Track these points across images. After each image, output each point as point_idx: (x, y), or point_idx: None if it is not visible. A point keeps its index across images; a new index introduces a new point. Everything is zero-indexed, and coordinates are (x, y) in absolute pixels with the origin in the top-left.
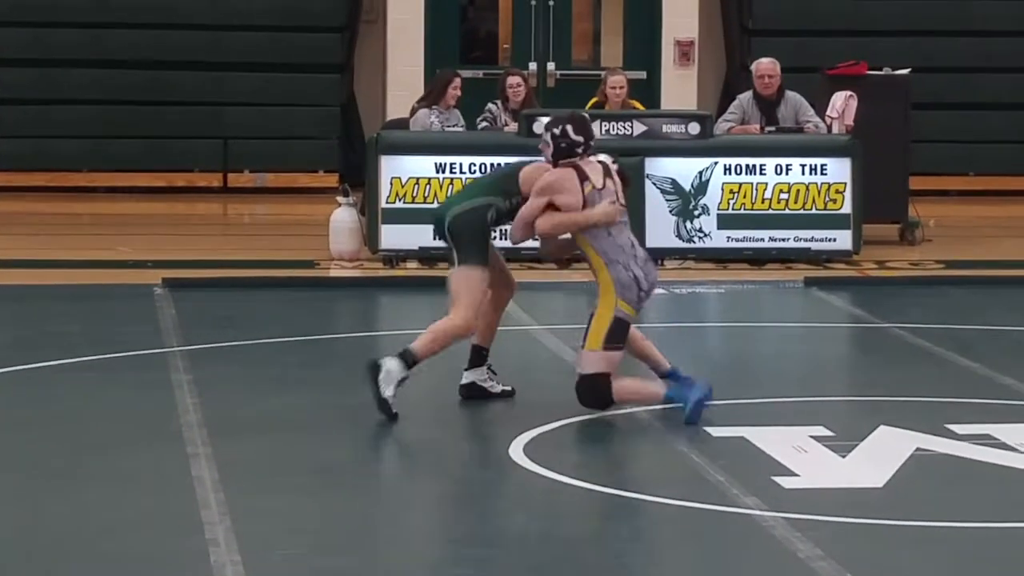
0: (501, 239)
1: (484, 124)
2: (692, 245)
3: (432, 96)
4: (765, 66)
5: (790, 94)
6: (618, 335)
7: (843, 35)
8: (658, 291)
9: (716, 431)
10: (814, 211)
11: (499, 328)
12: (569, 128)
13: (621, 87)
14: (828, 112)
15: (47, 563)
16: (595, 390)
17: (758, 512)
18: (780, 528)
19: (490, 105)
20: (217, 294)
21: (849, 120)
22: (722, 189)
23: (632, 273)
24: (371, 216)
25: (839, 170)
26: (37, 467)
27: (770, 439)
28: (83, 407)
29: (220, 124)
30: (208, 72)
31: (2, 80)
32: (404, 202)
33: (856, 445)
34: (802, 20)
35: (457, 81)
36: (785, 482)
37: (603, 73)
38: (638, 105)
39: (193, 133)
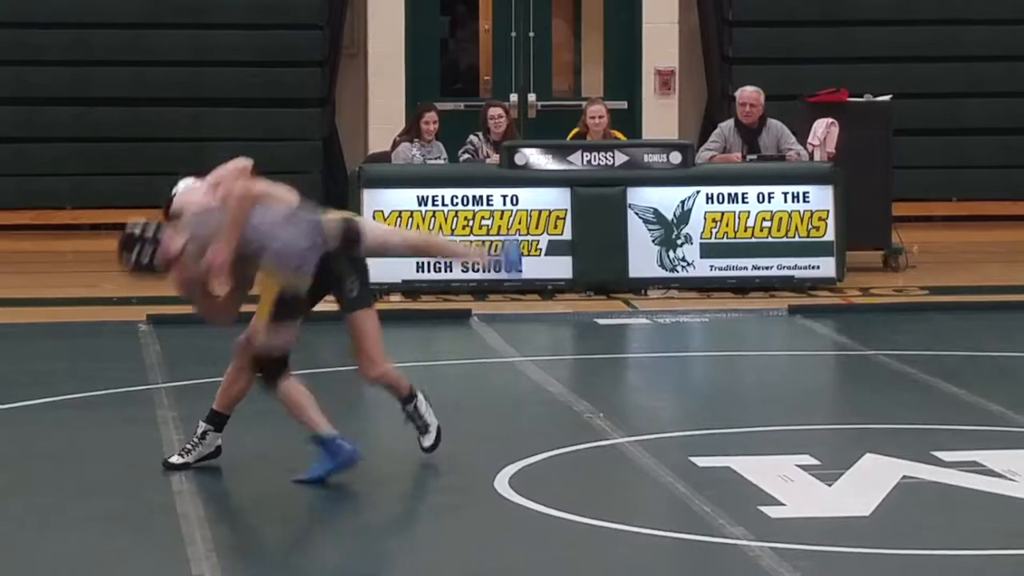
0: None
1: (466, 156)
2: (675, 275)
3: (412, 130)
4: (749, 94)
5: (772, 122)
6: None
7: (824, 62)
8: (642, 321)
9: (701, 461)
10: (797, 239)
11: (482, 361)
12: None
13: (601, 116)
14: (810, 139)
15: None
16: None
17: (745, 542)
18: (767, 558)
19: (472, 137)
20: (202, 330)
21: (831, 147)
22: (705, 218)
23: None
24: None
25: (822, 198)
26: (22, 507)
27: (756, 468)
28: (67, 445)
29: (202, 160)
30: (188, 108)
31: None
32: None
33: (842, 473)
34: (783, 48)
35: (428, 115)
36: (772, 511)
37: (584, 103)
38: (620, 135)
39: (175, 169)
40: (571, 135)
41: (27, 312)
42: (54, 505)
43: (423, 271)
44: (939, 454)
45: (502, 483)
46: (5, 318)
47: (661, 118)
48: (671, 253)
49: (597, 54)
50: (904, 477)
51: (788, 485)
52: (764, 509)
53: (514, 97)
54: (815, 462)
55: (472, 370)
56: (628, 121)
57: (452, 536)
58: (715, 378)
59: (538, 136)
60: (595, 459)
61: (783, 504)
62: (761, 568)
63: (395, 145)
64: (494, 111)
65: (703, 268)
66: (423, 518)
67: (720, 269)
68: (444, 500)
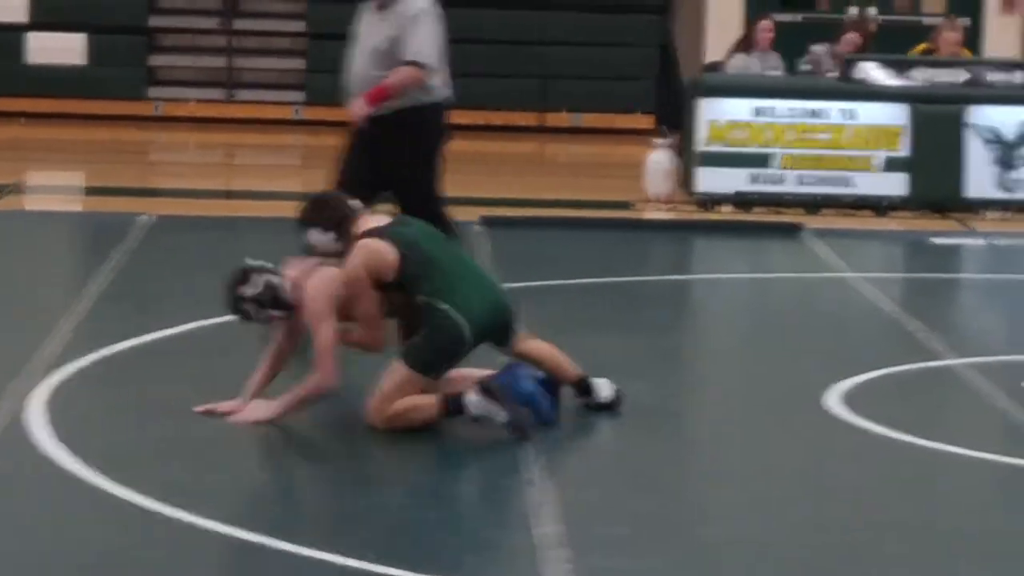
0: None
1: (807, 66)
2: (1013, 196)
3: (747, 40)
4: None
5: None
6: None
7: None
8: (978, 242)
9: None
10: None
11: (813, 275)
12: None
13: (955, 43)
14: None
15: None
16: None
17: None
18: None
19: (816, 47)
20: (533, 233)
21: None
22: None
23: None
24: (688, 159)
25: None
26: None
27: None
28: None
29: (539, 63)
30: (528, 11)
31: (322, 15)
32: (722, 145)
33: None
34: None
35: (764, 23)
36: None
37: (941, 20)
38: (968, 53)
39: (511, 72)
40: (918, 49)
41: None
42: None
43: (757, 183)
44: None
45: (834, 399)
46: None
47: (1004, 36)
48: (1010, 174)
49: None
50: None
51: None
52: None
53: (853, 11)
54: None
55: (803, 284)
56: (970, 39)
57: (781, 452)
58: None
59: (877, 52)
60: (928, 380)
61: None
62: None
63: (729, 55)
64: (851, 36)
65: None
66: (753, 433)
67: None
68: (775, 415)
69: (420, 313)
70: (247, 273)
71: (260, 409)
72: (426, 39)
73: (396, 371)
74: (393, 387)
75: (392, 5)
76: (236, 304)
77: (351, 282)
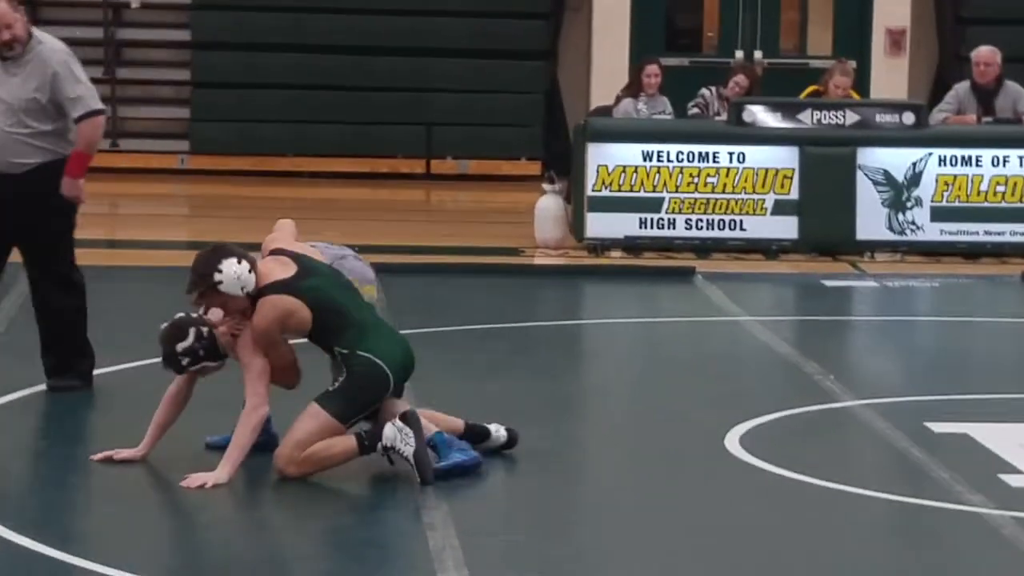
0: None
1: (695, 110)
2: (904, 238)
3: (635, 85)
4: (984, 54)
5: (1009, 84)
6: None
7: None
8: (870, 284)
9: (937, 427)
10: None
11: (706, 319)
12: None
13: (845, 89)
14: None
15: None
16: None
17: (985, 510)
18: (1010, 527)
19: (704, 90)
20: (424, 279)
21: None
22: (936, 181)
23: None
24: (577, 204)
25: None
26: None
27: (994, 436)
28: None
29: (424, 110)
30: (412, 58)
31: (207, 64)
32: (611, 190)
33: None
34: (1019, 9)
35: (650, 68)
36: (1013, 480)
37: (832, 63)
38: (855, 95)
39: (397, 119)
40: (806, 92)
41: None
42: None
43: (645, 227)
44: None
45: (732, 442)
46: None
47: (890, 78)
48: (900, 216)
49: (826, 12)
50: None
51: None
52: (1004, 477)
53: (739, 55)
54: None
55: (697, 328)
56: (857, 81)
57: (683, 495)
58: (946, 343)
59: (763, 94)
60: (827, 421)
61: (1023, 473)
62: (1004, 537)
63: (618, 100)
64: (740, 78)
65: (933, 232)
66: (653, 476)
67: (950, 233)
68: (674, 458)
69: (336, 361)
70: (183, 327)
71: (212, 474)
72: (87, 83)
73: (311, 417)
74: (306, 434)
75: (25, 56)
76: (174, 358)
77: (263, 337)
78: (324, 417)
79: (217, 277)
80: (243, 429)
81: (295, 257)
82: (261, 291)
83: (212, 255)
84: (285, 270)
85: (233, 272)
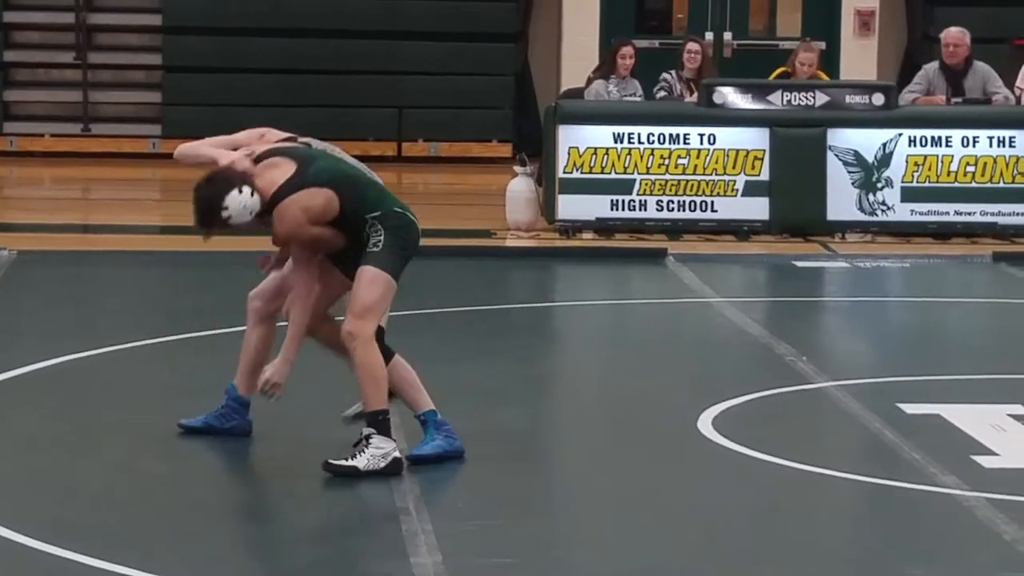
0: None
1: (662, 94)
2: (875, 218)
3: (606, 67)
4: (953, 35)
5: (978, 64)
6: None
7: None
8: (841, 264)
9: (909, 408)
10: (1001, 184)
11: (678, 301)
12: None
13: (811, 65)
14: (1017, 83)
15: None
16: None
17: (959, 492)
18: (983, 509)
19: (665, 75)
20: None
21: None
22: (906, 161)
23: None
24: (549, 186)
25: None
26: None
27: (966, 417)
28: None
29: (395, 93)
30: (383, 40)
31: (178, 48)
32: (582, 172)
33: None
34: None
35: (625, 50)
36: (985, 461)
37: (797, 44)
38: (824, 76)
39: (368, 102)
40: (775, 74)
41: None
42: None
43: (617, 209)
44: None
45: (705, 424)
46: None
47: (860, 59)
48: (871, 196)
49: None
50: None
51: (1001, 435)
52: (977, 459)
53: (710, 35)
54: None
55: (669, 310)
56: (826, 62)
57: (656, 477)
58: (918, 324)
59: (734, 76)
60: (800, 402)
61: (997, 454)
62: (977, 519)
63: (589, 82)
64: (692, 46)
65: (903, 212)
66: (627, 458)
67: (921, 214)
68: (647, 440)
69: (366, 228)
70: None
71: (276, 368)
72: None
73: (371, 282)
74: (373, 299)
75: None
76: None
77: (292, 238)
78: (384, 278)
79: (225, 214)
80: (299, 308)
81: (285, 153)
82: (272, 201)
83: (213, 192)
84: (285, 171)
85: (239, 203)
